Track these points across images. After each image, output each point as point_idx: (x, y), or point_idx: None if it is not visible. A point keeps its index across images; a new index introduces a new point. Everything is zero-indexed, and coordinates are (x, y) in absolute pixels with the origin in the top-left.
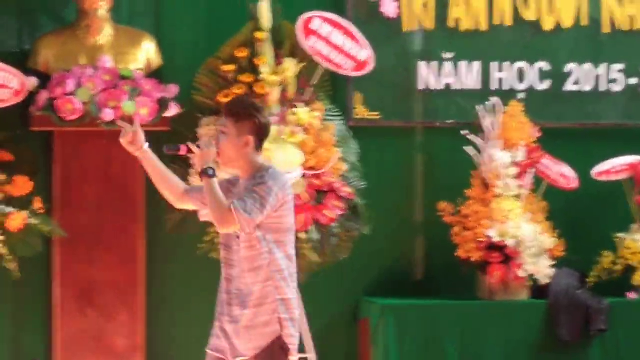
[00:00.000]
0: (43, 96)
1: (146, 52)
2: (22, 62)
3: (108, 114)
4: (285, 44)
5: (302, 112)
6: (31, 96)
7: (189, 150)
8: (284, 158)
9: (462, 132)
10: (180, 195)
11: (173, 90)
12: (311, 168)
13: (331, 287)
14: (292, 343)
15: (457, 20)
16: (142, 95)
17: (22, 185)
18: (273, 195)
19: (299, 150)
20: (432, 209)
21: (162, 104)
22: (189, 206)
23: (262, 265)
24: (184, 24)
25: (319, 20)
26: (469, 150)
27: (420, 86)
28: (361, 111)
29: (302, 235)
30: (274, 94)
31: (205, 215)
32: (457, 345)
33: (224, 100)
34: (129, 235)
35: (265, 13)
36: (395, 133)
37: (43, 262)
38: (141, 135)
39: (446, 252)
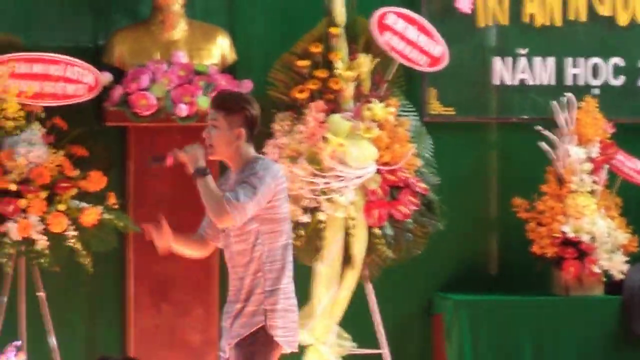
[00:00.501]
0: (117, 92)
1: (220, 48)
2: (96, 57)
3: (182, 109)
4: (359, 39)
5: (377, 108)
6: (105, 92)
7: (175, 159)
8: (359, 153)
9: (537, 128)
10: (204, 242)
11: (247, 85)
12: (386, 163)
13: (405, 282)
14: (278, 335)
15: (531, 15)
16: (216, 90)
17: (97, 180)
18: (265, 184)
19: (374, 146)
20: (507, 204)
21: None
22: (215, 243)
23: (254, 258)
24: (258, 19)
25: (393, 16)
26: (544, 145)
27: (495, 82)
28: (436, 107)
29: (377, 231)
30: (349, 90)
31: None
32: (532, 341)
33: (299, 95)
34: None
35: (339, 8)
36: (470, 128)
37: (117, 257)
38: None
39: (521, 248)
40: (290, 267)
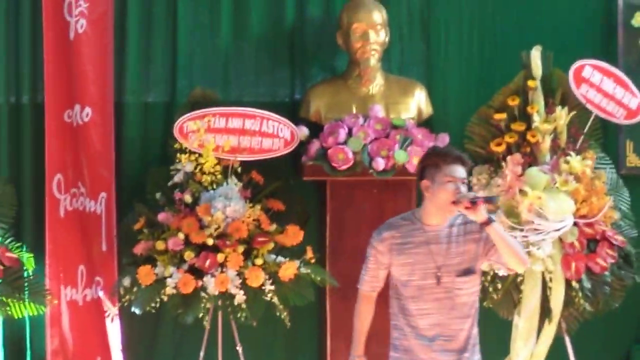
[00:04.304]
0: (315, 146)
1: (417, 101)
2: (293, 112)
3: (380, 163)
4: (556, 92)
5: (574, 161)
6: (301, 146)
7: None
8: (556, 206)
9: None
10: (374, 303)
11: (444, 139)
12: (583, 216)
13: (602, 335)
14: None
15: None
16: (413, 144)
17: (294, 234)
18: None
19: (571, 199)
20: None
21: None
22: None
23: (474, 311)
24: (454, 73)
25: (590, 68)
26: None
27: None
28: (633, 159)
29: (575, 284)
30: (546, 143)
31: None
32: None
33: (496, 148)
34: None
35: (536, 61)
36: None
37: (315, 311)
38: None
39: None
40: None
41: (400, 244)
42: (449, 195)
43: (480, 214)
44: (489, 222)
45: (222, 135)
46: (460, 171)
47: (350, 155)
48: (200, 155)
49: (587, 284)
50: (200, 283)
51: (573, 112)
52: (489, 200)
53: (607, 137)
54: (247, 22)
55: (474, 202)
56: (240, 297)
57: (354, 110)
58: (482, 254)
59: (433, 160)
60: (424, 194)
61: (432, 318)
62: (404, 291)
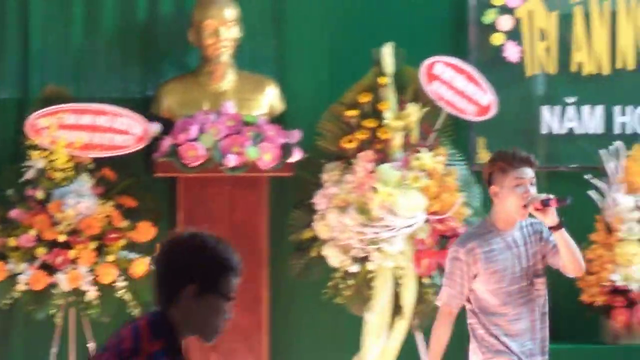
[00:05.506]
0: (166, 142)
1: (269, 98)
2: (145, 108)
3: (231, 160)
4: (408, 89)
5: (426, 157)
6: (154, 142)
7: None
8: (408, 203)
9: (586, 177)
10: (453, 321)
11: (296, 135)
12: (434, 213)
13: None
14: None
15: (579, 64)
16: (265, 140)
17: (146, 231)
18: None
19: (423, 195)
20: None
21: (286, 149)
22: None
23: (547, 311)
24: (307, 70)
25: (441, 65)
26: (593, 194)
27: (543, 130)
28: (484, 156)
29: (426, 281)
30: (397, 139)
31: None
32: None
33: (348, 145)
34: (253, 281)
35: (388, 58)
36: None
37: None
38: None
39: (570, 297)
40: None
41: (486, 252)
42: (519, 199)
43: (552, 216)
44: (560, 226)
45: (74, 131)
46: (527, 172)
47: (202, 151)
48: (52, 152)
49: (439, 281)
50: (52, 280)
51: (425, 109)
52: (562, 200)
53: (458, 133)
54: (99, 18)
55: (545, 204)
56: (92, 293)
57: (206, 107)
58: (544, 253)
59: (499, 165)
60: (494, 199)
61: (522, 323)
62: (493, 300)
